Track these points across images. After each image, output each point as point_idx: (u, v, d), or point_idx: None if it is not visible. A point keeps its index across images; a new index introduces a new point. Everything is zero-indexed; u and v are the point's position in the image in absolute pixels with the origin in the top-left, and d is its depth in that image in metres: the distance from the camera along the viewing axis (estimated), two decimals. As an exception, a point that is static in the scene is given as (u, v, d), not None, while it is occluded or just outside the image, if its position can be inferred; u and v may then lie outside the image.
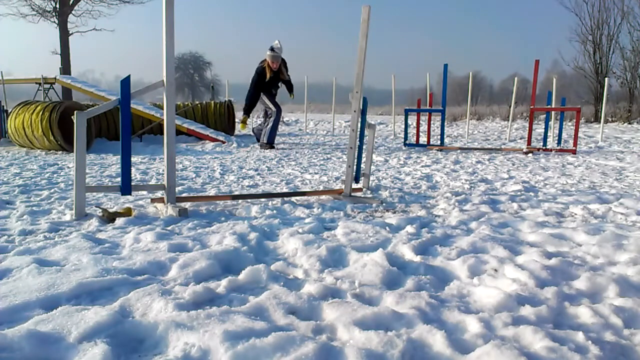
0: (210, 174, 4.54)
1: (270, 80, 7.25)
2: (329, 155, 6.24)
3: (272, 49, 7.08)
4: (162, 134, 7.61)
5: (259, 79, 7.21)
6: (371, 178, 4.09)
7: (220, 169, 4.96)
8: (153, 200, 2.95)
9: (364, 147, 3.70)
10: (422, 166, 5.19)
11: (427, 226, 2.48)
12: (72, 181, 3.82)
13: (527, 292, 1.54)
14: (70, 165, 5.12)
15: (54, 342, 1.19)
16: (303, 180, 4.19)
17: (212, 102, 9.51)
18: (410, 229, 2.36)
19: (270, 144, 7.30)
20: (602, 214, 2.80)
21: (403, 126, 8.25)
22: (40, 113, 6.41)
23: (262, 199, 3.15)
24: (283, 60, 7.27)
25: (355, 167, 3.46)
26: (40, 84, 10.72)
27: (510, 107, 10.04)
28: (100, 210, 2.65)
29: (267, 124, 7.40)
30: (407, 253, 1.98)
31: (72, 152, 6.28)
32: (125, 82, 2.58)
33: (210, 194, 3.50)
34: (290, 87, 7.66)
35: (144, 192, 3.35)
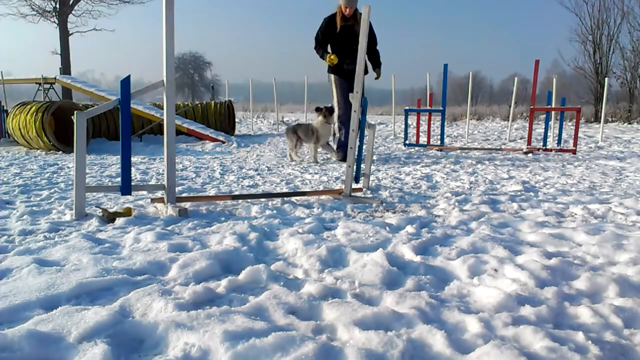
0: (210, 174, 4.54)
1: (341, 34, 5.28)
2: (329, 155, 6.23)
3: None
4: (162, 134, 7.61)
5: (325, 27, 5.30)
6: (371, 178, 4.09)
7: (220, 169, 4.96)
8: (153, 200, 2.95)
9: (364, 147, 3.70)
10: (422, 166, 5.18)
11: (427, 226, 2.48)
12: (72, 181, 3.82)
13: (527, 292, 1.54)
14: (70, 165, 5.12)
15: (54, 342, 1.19)
16: (303, 180, 4.19)
17: (212, 102, 9.52)
18: (410, 229, 2.36)
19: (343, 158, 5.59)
20: (602, 214, 2.79)
21: (403, 126, 8.25)
22: (34, 114, 6.41)
23: (262, 199, 3.15)
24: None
25: (355, 167, 3.46)
26: (40, 84, 10.73)
27: (510, 107, 10.04)
28: (100, 210, 2.65)
29: (340, 130, 5.67)
30: (407, 253, 1.98)
31: (68, 152, 6.34)
32: (125, 82, 2.58)
33: (210, 194, 3.50)
34: (375, 59, 5.43)
35: (144, 192, 3.35)
